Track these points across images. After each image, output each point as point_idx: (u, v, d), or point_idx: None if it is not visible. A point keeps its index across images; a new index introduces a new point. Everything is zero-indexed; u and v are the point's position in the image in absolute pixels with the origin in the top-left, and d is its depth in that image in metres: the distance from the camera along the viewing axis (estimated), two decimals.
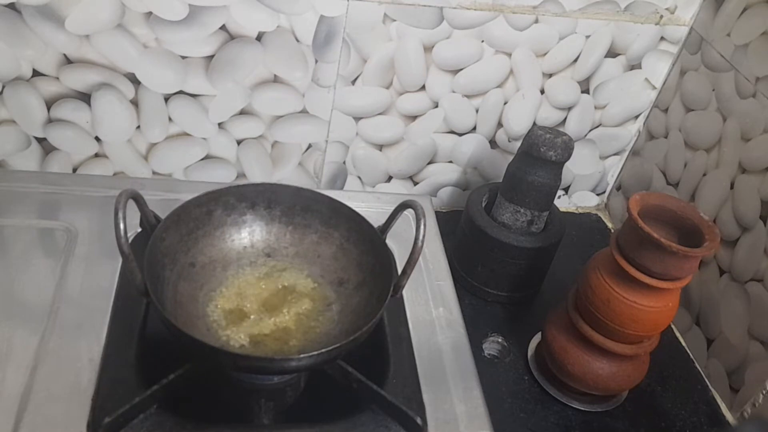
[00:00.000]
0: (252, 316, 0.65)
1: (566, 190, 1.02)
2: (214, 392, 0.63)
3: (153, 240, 0.62)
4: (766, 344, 0.72)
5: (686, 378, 0.80)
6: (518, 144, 0.84)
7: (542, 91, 0.89)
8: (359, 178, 0.94)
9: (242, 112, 0.85)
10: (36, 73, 0.78)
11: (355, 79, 0.84)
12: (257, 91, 0.83)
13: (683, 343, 0.84)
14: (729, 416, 0.76)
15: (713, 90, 0.82)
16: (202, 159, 0.89)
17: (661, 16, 0.85)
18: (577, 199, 1.03)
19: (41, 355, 0.63)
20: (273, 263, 0.71)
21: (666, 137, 0.90)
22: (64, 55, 0.77)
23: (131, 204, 0.58)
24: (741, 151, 0.77)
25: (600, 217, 1.04)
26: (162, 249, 0.64)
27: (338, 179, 0.94)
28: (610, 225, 1.02)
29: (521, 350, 0.80)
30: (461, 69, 0.85)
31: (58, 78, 0.79)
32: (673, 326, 0.86)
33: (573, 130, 0.94)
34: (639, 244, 0.62)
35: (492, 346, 0.80)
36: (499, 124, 0.91)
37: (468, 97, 0.88)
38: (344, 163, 0.92)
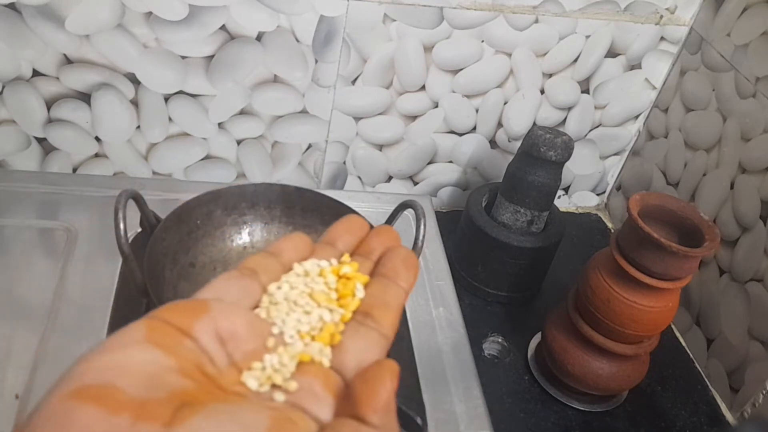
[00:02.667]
0: None
1: (566, 190, 1.02)
2: None
3: (153, 240, 0.62)
4: (766, 344, 0.72)
5: (686, 378, 0.80)
6: (518, 144, 0.84)
7: (542, 91, 0.89)
8: (359, 178, 0.94)
9: (242, 112, 0.85)
10: (36, 73, 0.78)
11: (355, 79, 0.84)
12: (257, 91, 0.83)
13: (683, 343, 0.84)
14: (729, 416, 0.76)
15: (713, 90, 0.82)
16: (202, 159, 0.89)
17: (661, 16, 0.85)
18: (577, 199, 1.03)
19: (41, 355, 0.63)
20: None
21: (666, 137, 0.90)
22: (64, 55, 0.77)
23: (131, 204, 0.58)
24: (741, 151, 0.77)
25: (600, 217, 1.04)
26: (162, 249, 0.64)
27: (338, 179, 0.94)
28: (610, 225, 1.02)
29: (521, 350, 0.80)
30: (461, 69, 0.85)
31: (58, 78, 0.79)
32: (673, 326, 0.86)
33: (573, 130, 0.94)
34: (639, 244, 0.62)
35: (492, 346, 0.80)
36: (499, 124, 0.91)
37: (468, 97, 0.88)
38: (344, 163, 0.92)
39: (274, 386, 0.27)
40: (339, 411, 0.27)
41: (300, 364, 0.28)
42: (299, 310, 0.30)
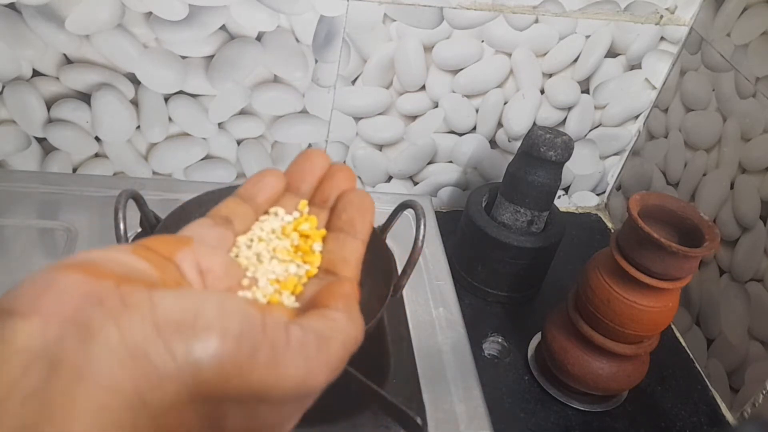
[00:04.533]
0: None
1: (566, 190, 1.02)
2: None
3: None
4: (766, 344, 0.72)
5: (686, 378, 0.80)
6: (518, 144, 0.84)
7: (542, 91, 0.89)
8: (359, 178, 0.94)
9: (242, 112, 0.85)
10: (36, 73, 0.78)
11: (355, 79, 0.84)
12: (257, 91, 0.83)
13: (683, 343, 0.84)
14: (729, 416, 0.76)
15: (713, 90, 0.82)
16: (202, 159, 0.89)
17: (661, 16, 0.85)
18: (577, 199, 1.03)
19: None
20: None
21: (666, 137, 0.90)
22: (64, 55, 0.77)
23: (131, 204, 0.58)
24: (741, 151, 0.77)
25: (600, 217, 1.04)
26: None
27: None
28: (610, 225, 1.02)
29: (521, 350, 0.80)
30: (461, 69, 0.85)
31: (58, 78, 0.79)
32: (673, 326, 0.86)
33: (573, 130, 0.94)
34: (639, 244, 0.62)
35: (492, 346, 0.80)
36: (499, 124, 0.91)
37: (468, 97, 0.88)
38: (344, 163, 0.92)
39: None
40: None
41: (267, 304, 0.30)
42: (271, 261, 0.31)
